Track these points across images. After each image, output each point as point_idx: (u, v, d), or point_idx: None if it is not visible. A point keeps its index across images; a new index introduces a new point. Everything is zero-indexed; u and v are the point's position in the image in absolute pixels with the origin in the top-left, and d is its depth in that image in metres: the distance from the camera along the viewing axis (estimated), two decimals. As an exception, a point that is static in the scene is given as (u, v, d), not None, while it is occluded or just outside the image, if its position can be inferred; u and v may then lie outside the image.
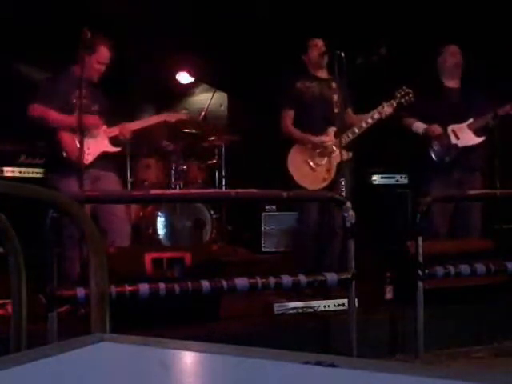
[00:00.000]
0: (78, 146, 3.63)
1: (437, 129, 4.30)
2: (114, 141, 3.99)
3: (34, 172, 5.17)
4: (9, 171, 5.13)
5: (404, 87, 4.11)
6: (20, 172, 5.24)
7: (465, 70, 4.43)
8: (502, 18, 4.97)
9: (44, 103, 3.79)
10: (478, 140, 4.30)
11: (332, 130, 4.10)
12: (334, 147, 4.07)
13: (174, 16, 6.03)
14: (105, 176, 3.92)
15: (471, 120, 4.30)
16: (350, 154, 4.07)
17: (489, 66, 4.68)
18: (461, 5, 5.14)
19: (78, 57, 3.81)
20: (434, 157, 4.33)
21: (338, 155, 4.05)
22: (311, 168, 4.10)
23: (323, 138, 4.08)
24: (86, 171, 3.63)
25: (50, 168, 4.13)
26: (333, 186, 4.01)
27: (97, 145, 3.86)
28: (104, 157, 3.90)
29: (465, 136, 4.30)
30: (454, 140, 4.31)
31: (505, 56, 4.90)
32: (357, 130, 4.05)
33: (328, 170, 4.08)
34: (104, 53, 3.89)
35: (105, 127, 3.95)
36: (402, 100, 4.10)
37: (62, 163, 3.77)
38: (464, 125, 4.31)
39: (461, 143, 4.30)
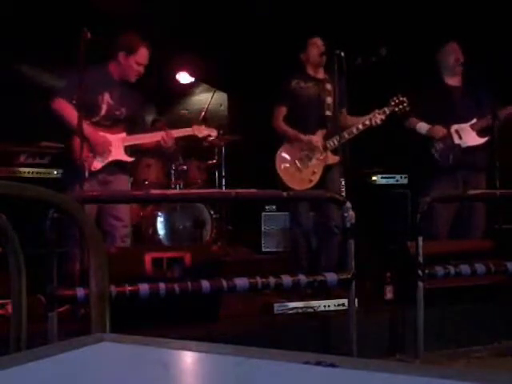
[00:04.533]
0: (87, 153, 3.56)
1: (441, 130, 4.29)
2: (129, 149, 3.80)
3: (34, 172, 5.17)
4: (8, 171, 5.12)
5: (399, 95, 4.05)
6: (20, 172, 5.25)
7: (467, 68, 4.42)
8: (504, 16, 4.97)
9: (68, 97, 3.59)
10: (481, 140, 4.28)
11: (322, 132, 4.11)
12: (322, 150, 4.07)
13: (174, 16, 6.03)
14: (115, 179, 3.79)
15: (474, 120, 4.29)
16: (337, 158, 4.03)
17: (491, 65, 4.67)
18: (461, 4, 5.14)
19: (114, 55, 3.72)
20: (437, 157, 4.32)
21: (325, 158, 4.05)
22: (298, 169, 4.10)
23: (312, 138, 4.08)
24: (93, 177, 3.59)
25: (63, 171, 4.12)
26: (320, 187, 4.01)
27: (109, 153, 3.70)
28: (115, 164, 3.75)
29: (468, 136, 4.29)
30: (456, 140, 4.30)
31: (507, 54, 4.89)
32: (346, 135, 4.00)
33: (314, 173, 4.09)
34: (143, 53, 3.75)
35: (123, 135, 3.77)
36: (396, 108, 4.04)
37: (72, 167, 3.62)
38: (467, 125, 4.29)
39: (464, 143, 4.29)
